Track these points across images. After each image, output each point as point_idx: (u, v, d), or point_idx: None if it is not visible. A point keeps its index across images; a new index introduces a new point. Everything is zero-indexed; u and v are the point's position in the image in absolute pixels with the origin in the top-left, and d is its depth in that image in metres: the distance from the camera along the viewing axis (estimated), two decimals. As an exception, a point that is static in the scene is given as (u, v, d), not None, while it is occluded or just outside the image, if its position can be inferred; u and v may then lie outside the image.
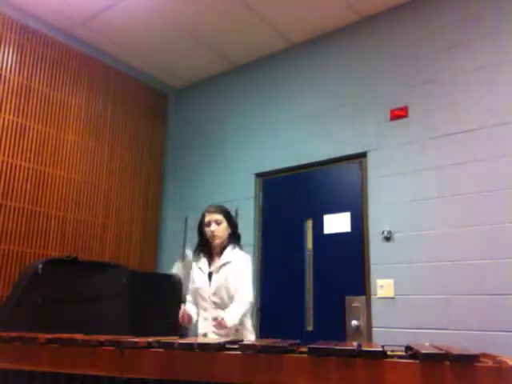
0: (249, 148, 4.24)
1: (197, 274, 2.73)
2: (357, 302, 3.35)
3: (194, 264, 2.81)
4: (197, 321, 2.68)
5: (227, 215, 2.76)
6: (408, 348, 1.40)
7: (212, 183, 4.41)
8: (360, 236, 3.45)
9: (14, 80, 3.65)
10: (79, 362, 1.66)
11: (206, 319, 2.61)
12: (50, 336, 1.80)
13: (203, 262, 2.74)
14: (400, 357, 1.29)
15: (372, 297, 3.26)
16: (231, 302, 2.55)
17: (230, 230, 2.75)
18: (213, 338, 2.45)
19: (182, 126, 4.89)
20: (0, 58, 3.58)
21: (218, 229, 2.69)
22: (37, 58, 3.82)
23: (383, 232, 3.28)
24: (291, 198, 3.91)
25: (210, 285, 2.63)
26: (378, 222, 3.34)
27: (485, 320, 2.80)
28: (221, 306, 2.58)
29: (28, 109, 3.70)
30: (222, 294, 2.59)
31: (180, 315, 2.59)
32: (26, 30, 3.77)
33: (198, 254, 2.79)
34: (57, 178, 3.82)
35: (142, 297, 3.81)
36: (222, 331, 2.48)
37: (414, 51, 3.45)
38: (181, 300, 4.20)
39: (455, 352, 1.21)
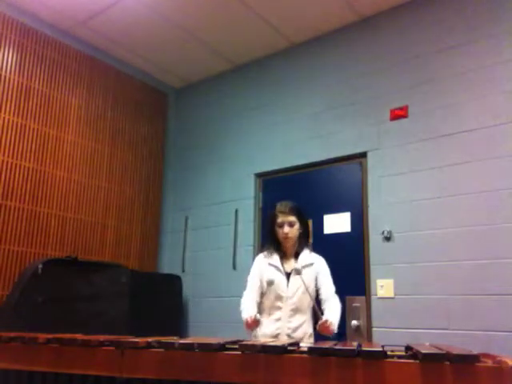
0: (249, 148, 4.24)
1: (271, 271, 2.59)
2: (357, 301, 3.35)
3: (261, 260, 2.67)
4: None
5: (300, 215, 2.65)
6: (408, 348, 1.40)
7: (212, 183, 4.42)
8: (360, 236, 3.45)
9: (14, 80, 3.65)
10: (79, 362, 1.66)
11: (279, 320, 2.50)
12: (50, 336, 1.80)
13: (276, 259, 2.61)
14: (400, 357, 1.29)
15: (372, 297, 3.26)
16: (309, 305, 2.51)
17: (301, 230, 2.66)
18: (284, 339, 2.36)
19: (182, 125, 4.89)
20: (0, 58, 3.58)
21: (292, 230, 2.60)
22: (37, 58, 3.82)
23: (383, 232, 3.28)
24: (291, 197, 3.88)
25: (288, 285, 2.54)
26: (377, 222, 3.34)
27: (485, 320, 2.80)
28: (298, 308, 2.51)
29: (28, 109, 3.70)
30: (302, 297, 2.50)
31: (249, 320, 2.40)
32: (25, 30, 3.78)
33: (270, 251, 2.66)
34: (57, 178, 3.82)
35: (141, 297, 3.81)
36: (299, 334, 2.44)
37: (414, 51, 3.45)
38: (181, 300, 4.22)
39: (455, 352, 1.22)
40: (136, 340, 1.63)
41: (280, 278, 2.55)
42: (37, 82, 3.79)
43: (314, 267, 2.59)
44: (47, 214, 3.71)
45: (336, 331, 2.37)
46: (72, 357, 1.68)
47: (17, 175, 3.56)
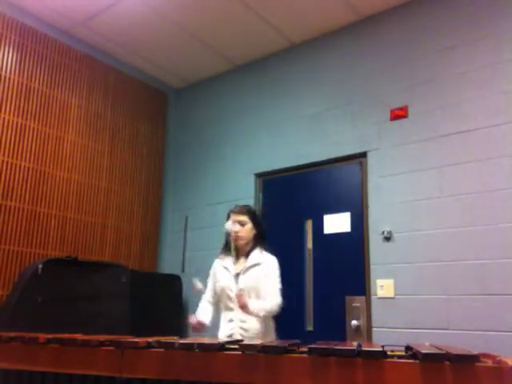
0: (249, 148, 4.24)
1: (222, 274, 2.69)
2: (357, 301, 3.35)
3: (217, 262, 2.77)
4: (210, 322, 2.65)
5: (252, 216, 2.72)
6: (408, 348, 1.40)
7: (212, 183, 4.42)
8: (360, 236, 3.45)
9: (14, 80, 3.65)
10: (79, 362, 1.66)
11: (231, 320, 2.57)
12: (50, 336, 1.79)
13: (228, 261, 2.70)
14: (400, 357, 1.29)
15: (372, 297, 3.26)
16: None
17: (255, 231, 2.71)
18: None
19: (182, 125, 4.89)
20: (0, 58, 3.58)
21: (243, 230, 2.66)
22: (37, 58, 3.82)
23: (383, 232, 3.28)
24: (291, 197, 3.91)
25: (236, 285, 2.59)
26: (377, 222, 3.34)
27: (485, 320, 2.80)
28: None
29: (28, 109, 3.70)
30: (249, 296, 2.55)
31: (192, 325, 2.57)
32: (25, 29, 3.78)
33: (224, 254, 2.75)
34: (57, 178, 3.82)
35: (142, 297, 3.81)
36: (252, 333, 2.48)
37: (414, 51, 3.45)
38: (181, 300, 4.22)
39: (455, 352, 1.21)
40: (136, 340, 1.62)
41: (229, 280, 2.62)
42: (37, 82, 3.79)
43: (261, 268, 2.62)
44: (47, 214, 3.71)
45: (254, 312, 2.45)
46: (72, 357, 1.68)
47: (17, 175, 3.56)
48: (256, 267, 2.62)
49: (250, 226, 2.69)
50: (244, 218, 2.68)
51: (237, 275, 2.63)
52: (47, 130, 3.81)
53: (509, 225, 2.84)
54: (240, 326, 2.53)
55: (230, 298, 2.60)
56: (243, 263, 2.67)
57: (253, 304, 2.46)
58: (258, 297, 2.56)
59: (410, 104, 3.38)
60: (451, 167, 3.12)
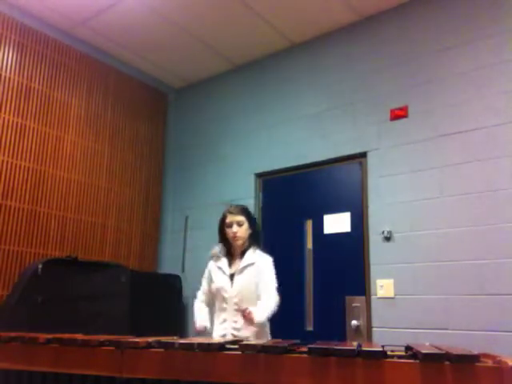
0: (249, 148, 4.24)
1: (217, 274, 2.70)
2: (357, 301, 3.35)
3: (211, 263, 2.78)
4: (211, 324, 2.68)
5: (248, 216, 2.74)
6: (408, 348, 1.40)
7: (212, 183, 4.42)
8: (360, 236, 3.45)
9: (14, 80, 3.65)
10: (79, 361, 1.66)
11: (224, 321, 2.59)
12: (50, 336, 1.80)
13: (223, 262, 2.71)
14: (400, 357, 1.29)
15: (372, 297, 3.26)
16: (253, 304, 2.53)
17: (250, 231, 2.73)
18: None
19: (182, 125, 4.89)
20: (0, 58, 3.58)
21: (240, 230, 2.67)
22: (37, 58, 3.82)
23: (383, 232, 3.28)
24: (291, 197, 3.91)
25: (231, 286, 2.61)
26: (377, 221, 3.34)
27: (485, 320, 2.80)
28: (240, 307, 2.54)
29: (28, 109, 3.70)
30: (244, 296, 2.56)
31: (195, 327, 2.62)
32: (25, 29, 3.78)
33: (220, 254, 2.76)
34: (57, 178, 3.82)
35: (142, 297, 3.81)
36: (244, 333, 2.48)
37: (413, 51, 3.45)
38: (181, 300, 4.22)
39: (455, 352, 1.21)
40: (136, 340, 1.63)
41: (224, 280, 2.64)
42: (37, 82, 3.79)
43: (256, 266, 2.63)
44: (47, 214, 3.71)
45: (261, 321, 2.46)
46: (72, 357, 1.68)
47: (17, 175, 3.56)
48: (251, 267, 2.63)
49: (246, 225, 2.71)
50: (241, 218, 2.70)
51: (231, 276, 2.64)
52: (47, 130, 3.81)
53: (509, 225, 2.84)
54: (232, 326, 2.54)
55: (224, 299, 2.61)
56: (238, 263, 2.68)
57: (256, 312, 2.44)
58: (251, 297, 2.56)
59: (410, 104, 3.38)
60: (451, 167, 3.12)
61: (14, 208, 3.51)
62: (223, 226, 2.73)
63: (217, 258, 2.75)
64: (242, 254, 2.69)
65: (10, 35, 3.67)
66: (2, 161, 3.49)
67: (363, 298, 3.33)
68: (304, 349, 1.39)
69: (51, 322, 3.05)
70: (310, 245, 3.71)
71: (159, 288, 4.06)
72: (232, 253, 2.74)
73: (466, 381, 1.18)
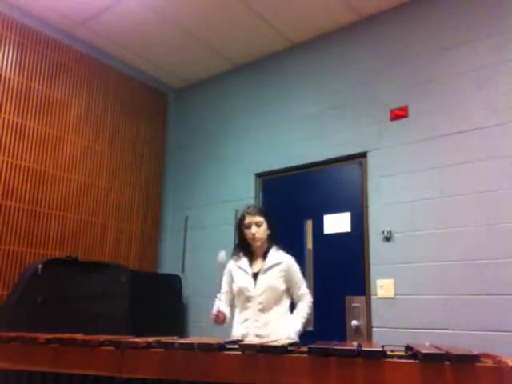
0: (249, 148, 4.24)
1: (238, 274, 2.67)
2: (357, 301, 3.35)
3: (231, 263, 2.75)
4: (229, 320, 2.65)
5: (266, 216, 2.72)
6: (408, 348, 1.40)
7: (212, 183, 4.42)
8: (360, 236, 3.45)
9: (14, 80, 3.65)
10: (79, 362, 1.66)
11: (246, 320, 2.57)
12: (50, 336, 1.80)
13: (244, 262, 2.69)
14: (400, 357, 1.29)
15: (372, 297, 3.26)
16: (276, 304, 2.57)
17: (269, 231, 2.71)
18: (253, 340, 2.40)
19: (182, 125, 4.89)
20: (0, 58, 3.58)
21: (259, 230, 2.66)
22: (37, 58, 3.82)
23: (383, 232, 3.28)
24: (291, 197, 3.91)
25: (255, 286, 2.59)
26: (377, 222, 3.34)
27: (485, 320, 2.80)
28: (266, 306, 2.56)
29: (28, 109, 3.70)
30: (269, 295, 2.56)
31: (214, 314, 2.55)
32: (26, 29, 3.77)
33: (238, 254, 2.74)
34: (57, 178, 3.82)
35: (142, 297, 3.81)
36: (265, 332, 2.49)
37: (413, 51, 3.45)
38: (181, 300, 4.22)
39: (455, 352, 1.22)
40: (136, 340, 1.63)
41: (247, 280, 2.63)
42: (37, 82, 3.79)
43: (281, 266, 2.63)
44: (47, 214, 3.71)
45: (299, 330, 2.51)
46: (72, 357, 1.68)
47: (17, 175, 3.56)
48: (276, 267, 2.62)
49: (265, 226, 2.69)
50: (260, 219, 2.67)
51: (254, 275, 2.62)
52: (47, 130, 3.81)
53: (509, 225, 2.84)
54: (255, 325, 2.53)
55: (247, 298, 2.59)
56: (260, 263, 2.66)
57: (295, 326, 2.51)
58: (276, 296, 2.57)
59: (410, 104, 3.38)
60: (451, 167, 3.12)
61: (14, 208, 3.51)
62: (242, 226, 2.70)
63: (237, 257, 2.73)
64: (265, 254, 2.68)
65: (10, 35, 3.67)
66: (2, 161, 3.49)
67: (363, 298, 3.33)
68: (304, 349, 1.39)
69: (51, 322, 3.04)
70: (310, 245, 3.70)
71: (159, 288, 4.06)
72: (252, 252, 2.71)
73: (466, 381, 1.18)
